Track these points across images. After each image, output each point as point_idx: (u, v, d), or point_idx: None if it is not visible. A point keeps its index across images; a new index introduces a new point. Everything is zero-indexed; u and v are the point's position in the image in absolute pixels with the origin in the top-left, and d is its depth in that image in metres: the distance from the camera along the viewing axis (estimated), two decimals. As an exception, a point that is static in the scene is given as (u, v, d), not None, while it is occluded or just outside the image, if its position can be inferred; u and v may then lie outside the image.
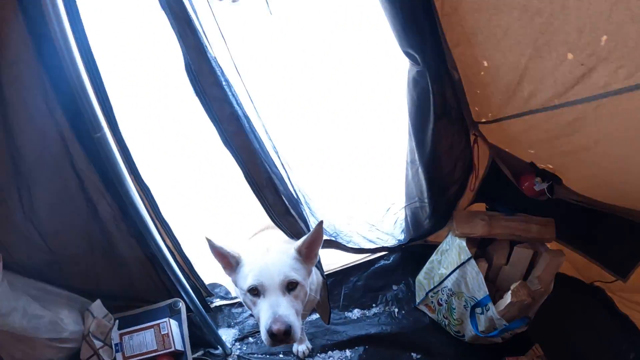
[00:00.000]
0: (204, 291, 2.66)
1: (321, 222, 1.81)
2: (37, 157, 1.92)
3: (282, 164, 2.05)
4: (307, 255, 1.86)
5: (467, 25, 1.75)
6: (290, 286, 1.76)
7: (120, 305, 2.47)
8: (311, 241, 1.84)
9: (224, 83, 1.73)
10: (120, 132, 2.00)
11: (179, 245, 2.40)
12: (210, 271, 2.79)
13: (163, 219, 2.28)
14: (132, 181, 2.00)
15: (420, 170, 2.19)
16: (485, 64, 1.82)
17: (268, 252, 1.86)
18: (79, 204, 2.07)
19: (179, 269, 2.28)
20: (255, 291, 1.76)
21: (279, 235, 2.16)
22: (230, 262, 1.88)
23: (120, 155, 1.91)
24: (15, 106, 1.78)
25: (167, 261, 2.14)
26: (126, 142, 2.04)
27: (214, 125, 1.80)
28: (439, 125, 2.00)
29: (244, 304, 1.89)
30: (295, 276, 1.76)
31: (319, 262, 2.18)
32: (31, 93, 1.78)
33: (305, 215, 2.17)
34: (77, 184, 2.00)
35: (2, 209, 1.98)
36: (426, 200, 2.30)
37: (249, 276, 1.78)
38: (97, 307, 2.38)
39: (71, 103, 1.74)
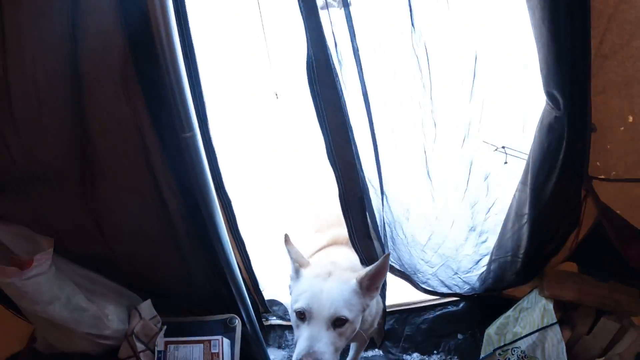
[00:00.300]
0: (261, 307, 2.43)
1: (387, 255, 1.65)
2: (109, 146, 1.70)
3: (380, 183, 1.84)
4: (369, 287, 1.70)
5: (624, 72, 1.50)
6: (338, 322, 1.61)
7: (172, 304, 2.25)
8: (375, 274, 1.68)
9: (339, 86, 1.54)
10: (209, 134, 1.76)
11: (249, 260, 2.16)
12: (272, 287, 2.57)
13: (239, 233, 2.04)
14: (214, 190, 1.78)
15: (526, 226, 1.92)
16: (631, 119, 1.59)
17: (329, 277, 1.71)
18: (148, 203, 1.83)
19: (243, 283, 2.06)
20: (302, 315, 1.64)
21: (346, 254, 1.97)
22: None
23: (207, 160, 1.69)
24: (89, 84, 1.55)
25: (235, 277, 1.93)
26: (214, 146, 1.80)
27: (324, 134, 1.64)
28: (562, 180, 1.73)
29: (291, 320, 1.76)
30: (347, 314, 1.62)
31: (384, 287, 2.00)
32: (111, 72, 1.53)
33: (384, 241, 1.98)
34: (150, 181, 1.76)
35: (60, 194, 1.78)
36: (520, 256, 2.04)
37: (301, 297, 1.66)
38: (146, 307, 2.16)
39: (153, 89, 1.51)
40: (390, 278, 2.10)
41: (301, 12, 1.40)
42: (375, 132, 1.69)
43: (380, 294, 1.93)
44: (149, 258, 2.06)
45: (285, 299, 2.60)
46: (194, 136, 1.53)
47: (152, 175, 1.74)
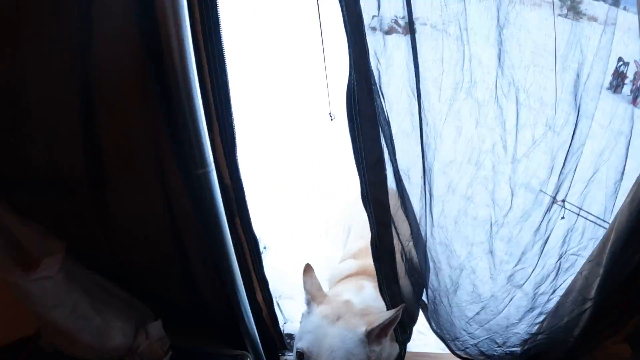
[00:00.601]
0: (279, 344, 2.12)
1: (401, 307, 1.48)
2: (122, 164, 1.45)
3: (428, 223, 1.48)
4: (378, 335, 1.52)
5: None
6: None
7: (183, 324, 1.96)
8: (387, 325, 1.50)
9: (380, 118, 1.22)
10: (237, 164, 1.44)
11: (271, 299, 1.83)
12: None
13: (262, 272, 1.74)
14: (239, 226, 1.48)
15: (589, 310, 1.53)
16: None
17: (337, 321, 1.53)
18: (162, 227, 1.55)
19: (262, 322, 1.80)
20: (301, 356, 1.50)
21: (366, 292, 1.73)
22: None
23: (231, 192, 1.41)
24: (102, 95, 1.30)
25: (245, 321, 1.67)
26: (242, 179, 1.47)
27: (359, 173, 1.34)
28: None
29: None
30: None
31: (408, 333, 1.78)
32: (126, 84, 1.26)
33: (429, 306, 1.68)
34: (165, 205, 1.48)
35: (73, 202, 1.55)
36: (574, 337, 1.64)
37: (304, 337, 1.52)
38: (156, 327, 1.87)
39: (170, 114, 1.23)
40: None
41: (345, 28, 1.11)
42: (432, 187, 1.32)
43: (400, 339, 1.74)
44: (159, 279, 1.79)
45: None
46: (207, 173, 1.24)
47: (167, 198, 1.47)
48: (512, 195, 1.30)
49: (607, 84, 1.60)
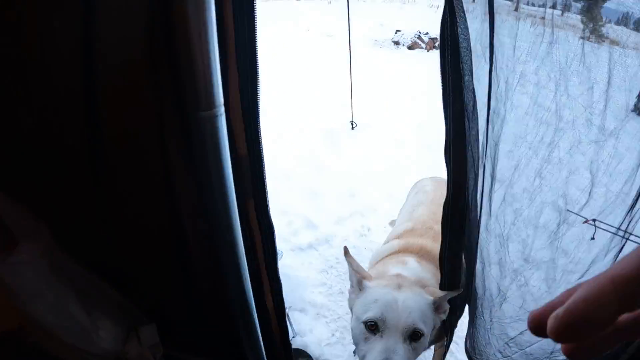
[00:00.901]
0: (287, 360, 1.80)
1: (458, 290, 1.41)
2: (124, 149, 1.18)
3: (484, 211, 1.24)
4: (437, 309, 1.43)
5: None
6: (414, 336, 1.33)
7: (179, 337, 1.67)
8: (446, 299, 1.41)
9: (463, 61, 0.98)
10: (258, 129, 1.13)
11: (283, 308, 1.49)
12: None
13: (276, 272, 1.42)
14: (252, 212, 1.20)
15: None
16: None
17: (400, 288, 1.41)
18: (162, 222, 1.28)
19: (269, 335, 1.51)
20: (374, 326, 1.35)
21: (413, 268, 1.61)
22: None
23: (246, 167, 1.12)
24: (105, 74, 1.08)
25: (250, 331, 1.39)
26: (262, 151, 1.15)
27: (446, 122, 1.15)
28: None
29: (352, 335, 1.46)
30: (423, 327, 1.34)
31: (455, 317, 1.59)
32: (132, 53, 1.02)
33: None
34: (166, 199, 1.22)
35: (67, 177, 1.28)
36: None
37: (372, 306, 1.37)
38: (149, 332, 1.58)
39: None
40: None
41: None
42: (495, 169, 1.04)
43: (448, 322, 1.55)
44: (156, 278, 1.50)
45: (316, 350, 1.95)
46: (214, 116, 0.93)
47: (171, 190, 1.21)
48: (592, 184, 0.99)
49: (631, 105, 1.35)
